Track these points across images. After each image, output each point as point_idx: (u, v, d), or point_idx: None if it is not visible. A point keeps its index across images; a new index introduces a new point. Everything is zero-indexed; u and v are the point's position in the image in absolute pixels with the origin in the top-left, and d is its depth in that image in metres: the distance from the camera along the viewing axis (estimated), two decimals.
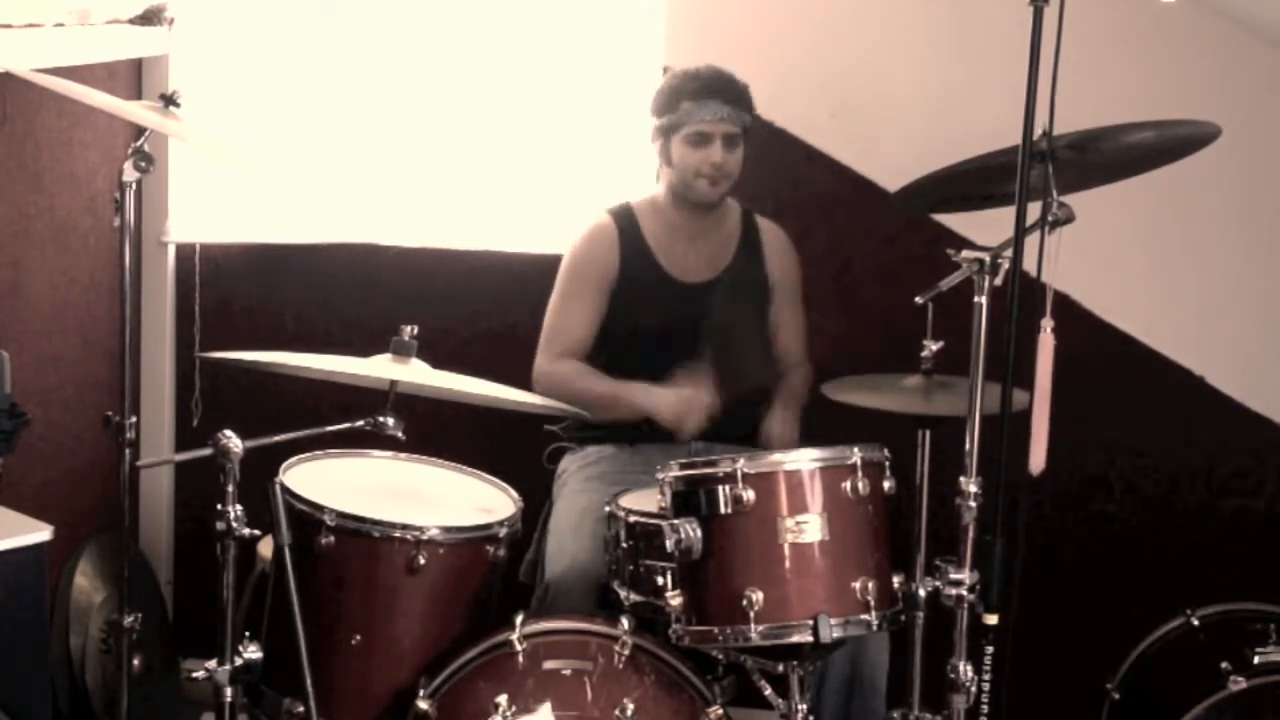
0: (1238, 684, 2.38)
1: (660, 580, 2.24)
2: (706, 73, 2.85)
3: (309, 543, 2.30)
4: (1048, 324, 2.11)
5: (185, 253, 3.51)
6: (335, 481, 2.47)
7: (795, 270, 3.03)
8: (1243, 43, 3.06)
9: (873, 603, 2.14)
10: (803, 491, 2.15)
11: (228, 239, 3.49)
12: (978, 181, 2.34)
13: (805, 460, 2.17)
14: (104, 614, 3.07)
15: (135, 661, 2.71)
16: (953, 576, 2.19)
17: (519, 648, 2.24)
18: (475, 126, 3.39)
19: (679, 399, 2.73)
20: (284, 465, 2.43)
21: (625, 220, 2.95)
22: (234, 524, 2.15)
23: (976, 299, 2.19)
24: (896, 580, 2.22)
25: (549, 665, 2.23)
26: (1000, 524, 2.12)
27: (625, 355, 2.88)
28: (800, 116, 3.24)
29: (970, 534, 2.18)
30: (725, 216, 2.99)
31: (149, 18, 3.00)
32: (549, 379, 2.87)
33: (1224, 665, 2.43)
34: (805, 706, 2.20)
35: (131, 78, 3.37)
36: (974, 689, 2.20)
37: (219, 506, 2.15)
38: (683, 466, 2.20)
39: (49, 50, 2.67)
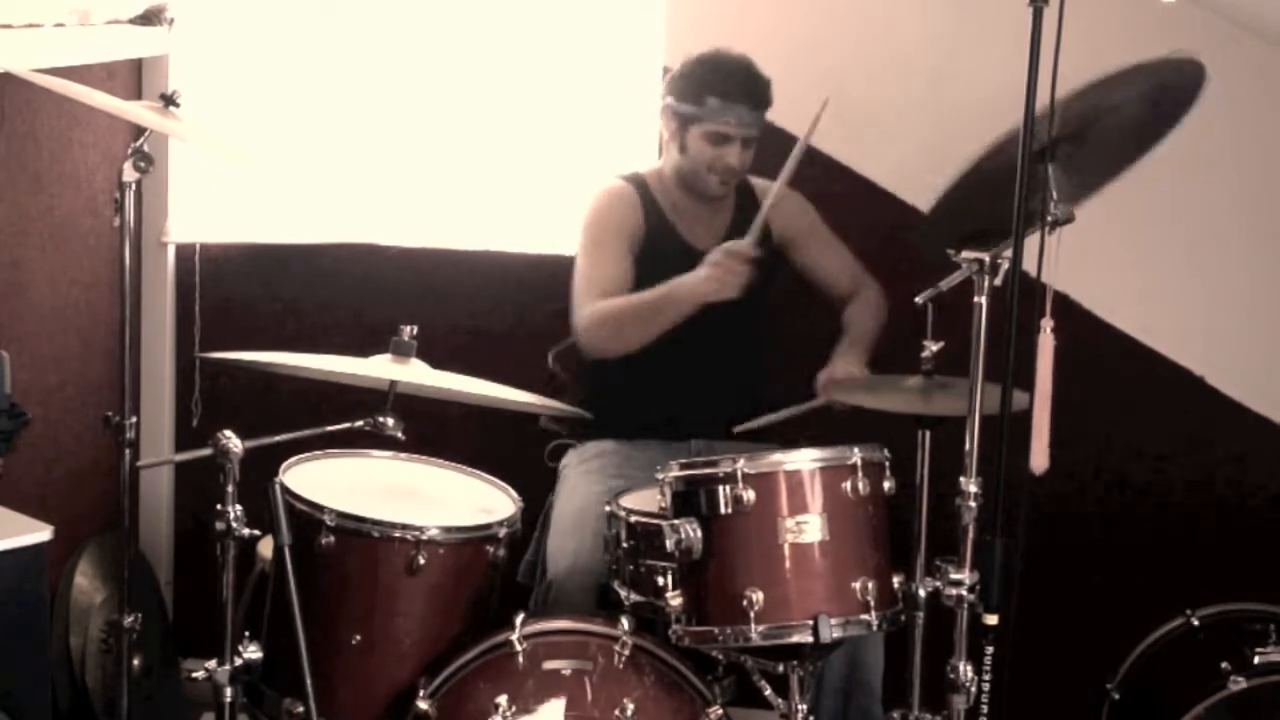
0: (1238, 684, 2.38)
1: (660, 580, 2.23)
2: (739, 71, 2.82)
3: (309, 543, 2.30)
4: (1047, 324, 2.11)
5: (185, 253, 3.51)
6: (335, 481, 2.48)
7: (806, 212, 3.01)
8: (1243, 42, 3.06)
9: (873, 603, 2.14)
10: (803, 491, 2.15)
11: (228, 239, 3.49)
12: (990, 200, 2.31)
13: (805, 460, 2.17)
14: (104, 614, 3.07)
15: (135, 661, 2.71)
16: (953, 576, 2.19)
17: (519, 648, 2.24)
18: (475, 126, 3.39)
19: (710, 267, 2.66)
20: (284, 465, 2.43)
21: (640, 185, 2.94)
22: (234, 524, 2.15)
23: (976, 299, 2.19)
24: (896, 580, 2.23)
25: (549, 665, 2.23)
26: (1000, 524, 2.12)
27: None
28: (800, 116, 3.23)
29: (970, 534, 2.18)
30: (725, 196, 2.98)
31: (149, 18, 3.00)
32: (592, 319, 2.77)
33: (1224, 665, 2.43)
34: (805, 707, 2.20)
35: (131, 78, 3.37)
36: (974, 689, 2.20)
37: (219, 506, 2.15)
38: (683, 466, 2.20)
39: (49, 50, 2.67)
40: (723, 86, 2.80)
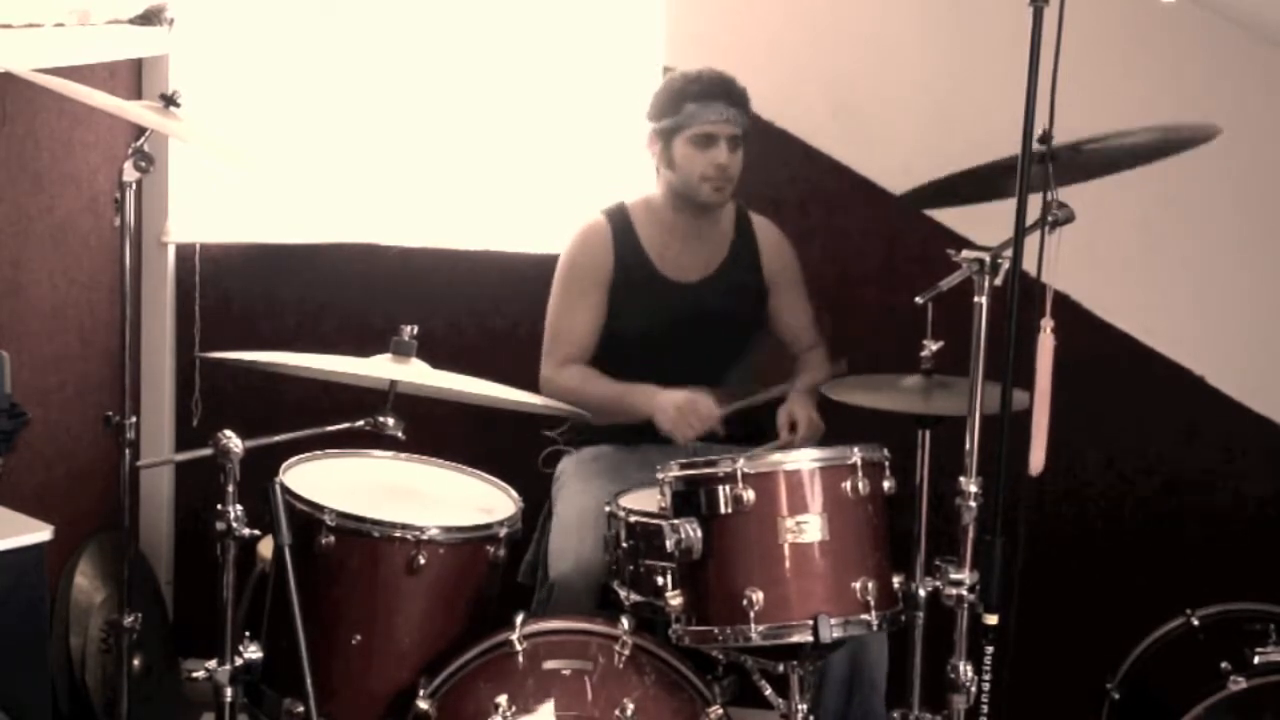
0: (1238, 684, 2.38)
1: (660, 580, 2.24)
2: (709, 75, 2.85)
3: (309, 543, 2.30)
4: (1048, 324, 2.11)
5: (185, 253, 3.51)
6: (335, 481, 2.47)
7: (792, 261, 3.04)
8: (1243, 43, 3.06)
9: (873, 603, 2.14)
10: (803, 491, 2.15)
11: (228, 239, 3.49)
12: (981, 183, 2.34)
13: (805, 460, 2.17)
14: (104, 614, 3.07)
15: (135, 661, 2.71)
16: (953, 576, 2.19)
17: (519, 648, 2.24)
18: (474, 127, 3.39)
19: (680, 403, 2.72)
20: (284, 465, 2.43)
21: (619, 219, 2.96)
22: (234, 524, 2.15)
23: (976, 299, 2.19)
24: (896, 580, 2.22)
25: (549, 665, 2.23)
26: (1000, 524, 2.12)
27: (621, 355, 2.89)
28: (801, 117, 3.24)
29: (970, 534, 2.18)
30: (720, 216, 2.99)
31: (149, 18, 3.00)
32: (554, 386, 2.87)
33: (1224, 665, 2.43)
34: (805, 706, 2.20)
35: (131, 78, 3.37)
36: (974, 689, 2.20)
37: (219, 506, 2.15)
38: (683, 466, 2.20)
39: (49, 50, 2.67)
40: (697, 90, 2.83)
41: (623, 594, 2.35)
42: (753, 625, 2.11)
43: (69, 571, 3.05)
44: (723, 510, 2.14)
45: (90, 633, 3.03)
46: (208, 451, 2.16)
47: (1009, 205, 2.10)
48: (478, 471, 2.66)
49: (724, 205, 2.93)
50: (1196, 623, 2.72)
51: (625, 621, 2.26)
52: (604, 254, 2.93)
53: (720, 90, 2.83)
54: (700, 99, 2.82)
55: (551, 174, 3.38)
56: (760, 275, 3.00)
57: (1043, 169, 2.16)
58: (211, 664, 2.18)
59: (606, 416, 2.81)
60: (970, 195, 2.49)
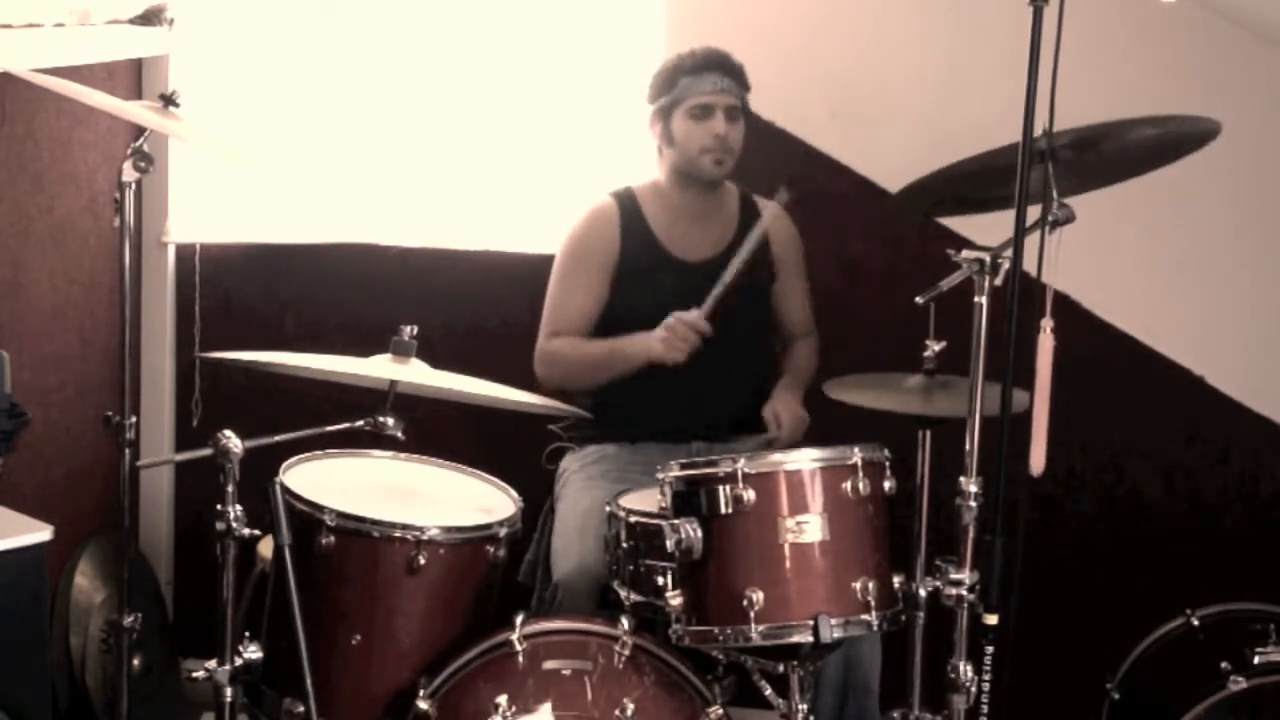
0: (1238, 684, 2.38)
1: (660, 580, 2.24)
2: (702, 50, 2.88)
3: (309, 543, 2.30)
4: (1048, 324, 2.11)
5: (185, 253, 3.51)
6: (335, 481, 2.47)
7: (797, 246, 3.05)
8: (1242, 42, 3.06)
9: (873, 603, 2.14)
10: (803, 491, 2.15)
11: (228, 239, 3.49)
12: (976, 184, 2.34)
13: (806, 460, 2.17)
14: (104, 614, 3.07)
15: (135, 661, 2.71)
16: (953, 576, 2.19)
17: (519, 648, 2.24)
18: (475, 126, 3.39)
19: (665, 330, 2.74)
20: (284, 465, 2.43)
21: (626, 201, 2.96)
22: (234, 524, 2.15)
23: (976, 299, 2.19)
24: (896, 580, 2.22)
25: (549, 665, 2.23)
26: (1000, 524, 2.12)
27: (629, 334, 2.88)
28: (800, 116, 3.24)
29: (970, 534, 2.18)
30: (726, 198, 2.99)
31: (149, 18, 3.00)
32: (545, 356, 2.90)
33: (1224, 665, 2.43)
34: (805, 706, 2.20)
35: (131, 78, 3.37)
36: (974, 689, 2.20)
37: (219, 506, 2.15)
38: (683, 466, 2.20)
39: (49, 50, 2.67)
40: (691, 64, 2.86)
41: (623, 594, 2.35)
42: (753, 625, 2.11)
43: (69, 571, 3.05)
44: (723, 510, 2.14)
45: (90, 633, 3.03)
46: (208, 451, 2.16)
47: (1005, 209, 2.10)
48: (478, 471, 2.66)
49: (725, 178, 2.92)
50: (1196, 623, 2.72)
51: (625, 621, 2.26)
52: (610, 236, 2.93)
53: (714, 62, 2.85)
54: (694, 71, 2.84)
55: (551, 174, 3.38)
56: (768, 255, 2.99)
57: (1043, 171, 2.16)
58: (211, 664, 2.18)
59: (603, 376, 2.83)
60: (962, 199, 2.49)
